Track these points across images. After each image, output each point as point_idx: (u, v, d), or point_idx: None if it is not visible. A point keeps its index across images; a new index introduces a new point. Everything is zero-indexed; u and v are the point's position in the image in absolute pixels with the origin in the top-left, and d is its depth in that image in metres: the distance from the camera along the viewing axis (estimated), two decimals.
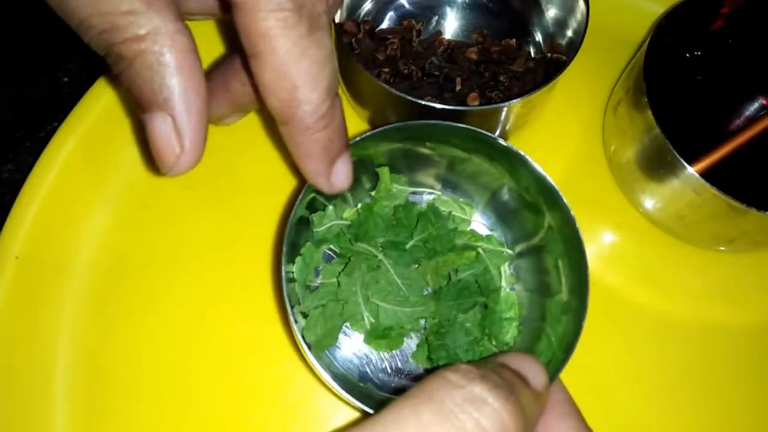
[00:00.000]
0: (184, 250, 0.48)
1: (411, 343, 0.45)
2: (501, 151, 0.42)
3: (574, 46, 0.48)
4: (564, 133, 0.55)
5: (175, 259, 0.48)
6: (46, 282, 0.46)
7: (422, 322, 0.45)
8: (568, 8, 0.52)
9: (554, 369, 0.38)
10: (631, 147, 0.48)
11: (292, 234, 0.39)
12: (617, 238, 0.52)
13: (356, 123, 0.53)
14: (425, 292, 0.45)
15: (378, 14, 0.56)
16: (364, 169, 0.45)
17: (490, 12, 0.57)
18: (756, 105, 0.54)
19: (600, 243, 0.52)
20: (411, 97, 0.44)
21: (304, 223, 0.43)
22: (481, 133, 0.41)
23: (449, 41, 0.55)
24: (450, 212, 0.47)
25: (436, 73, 0.54)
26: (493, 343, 0.44)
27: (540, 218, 0.43)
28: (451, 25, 0.57)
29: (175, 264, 0.48)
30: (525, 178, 0.43)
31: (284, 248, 0.38)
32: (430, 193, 0.49)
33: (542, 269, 0.44)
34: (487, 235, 0.48)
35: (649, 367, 0.48)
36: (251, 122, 0.52)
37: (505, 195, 0.46)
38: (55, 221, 0.47)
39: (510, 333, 0.44)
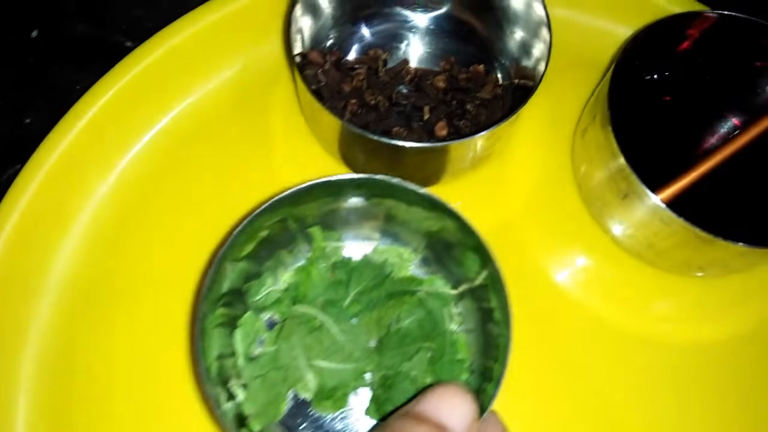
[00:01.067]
0: (145, 279, 0.49)
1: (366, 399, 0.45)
2: (427, 199, 0.41)
3: (539, 72, 0.48)
4: (534, 158, 0.54)
5: (139, 287, 0.49)
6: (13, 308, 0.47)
7: (369, 376, 0.44)
8: (532, 33, 0.51)
9: (487, 402, 0.37)
10: (599, 174, 0.47)
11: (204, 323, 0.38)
12: (590, 262, 0.52)
13: (327, 160, 0.53)
14: (370, 346, 0.44)
15: (344, 45, 0.55)
16: (300, 229, 0.45)
17: (458, 38, 0.56)
18: (727, 126, 0.53)
19: (573, 267, 0.52)
20: (371, 134, 0.44)
21: (238, 294, 0.43)
22: (404, 185, 0.40)
23: (416, 69, 0.55)
24: (385, 260, 0.46)
25: (404, 102, 0.53)
26: None
27: (477, 259, 0.42)
28: (418, 52, 0.56)
29: (141, 291, 0.49)
30: (451, 222, 0.42)
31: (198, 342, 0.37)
32: (369, 245, 0.48)
33: (486, 309, 0.43)
34: (428, 278, 0.47)
35: (625, 385, 0.48)
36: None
37: (442, 238, 0.45)
38: (19, 263, 0.48)
39: (463, 375, 0.43)
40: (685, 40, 0.50)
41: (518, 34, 0.53)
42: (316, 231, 0.45)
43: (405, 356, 0.43)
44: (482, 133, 0.44)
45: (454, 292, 0.46)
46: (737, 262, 0.45)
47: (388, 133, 0.52)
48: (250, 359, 0.43)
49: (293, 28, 0.48)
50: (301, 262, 0.46)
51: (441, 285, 0.46)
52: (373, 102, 0.52)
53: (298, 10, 0.49)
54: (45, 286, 0.48)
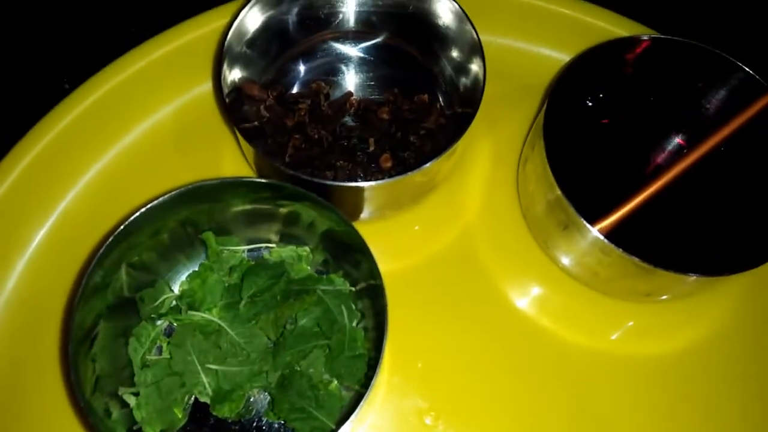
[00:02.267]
0: None
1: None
2: (323, 205, 0.42)
3: (477, 99, 0.47)
4: (482, 188, 0.54)
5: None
6: None
7: (267, 377, 0.44)
8: (467, 59, 0.51)
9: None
10: (540, 206, 0.47)
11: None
12: (543, 290, 0.51)
13: None
14: (269, 346, 0.45)
15: (285, 80, 0.55)
16: (195, 234, 0.46)
17: (398, 66, 0.56)
18: (669, 149, 0.53)
19: (528, 294, 0.51)
20: (304, 174, 0.43)
21: (131, 302, 0.44)
22: (299, 190, 0.42)
23: (360, 101, 0.54)
24: (282, 260, 0.46)
25: (348, 135, 0.53)
26: (345, 383, 0.44)
27: (367, 261, 0.42)
28: (361, 83, 0.56)
29: None
30: (345, 227, 0.43)
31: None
32: (267, 248, 0.48)
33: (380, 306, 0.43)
34: (327, 276, 0.47)
35: (581, 401, 0.47)
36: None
37: (340, 240, 0.45)
38: None
39: (362, 370, 0.43)
40: (624, 65, 0.50)
41: (454, 62, 0.52)
42: (209, 236, 0.46)
43: (301, 354, 0.43)
44: (415, 171, 0.44)
45: (352, 289, 0.46)
46: (680, 289, 0.45)
47: (332, 167, 0.51)
48: (145, 367, 0.44)
49: (224, 69, 0.47)
50: (196, 268, 0.47)
51: (340, 283, 0.46)
52: (316, 136, 0.52)
53: (229, 51, 0.48)
54: None
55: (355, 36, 0.56)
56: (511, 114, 0.56)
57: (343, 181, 0.50)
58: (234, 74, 0.50)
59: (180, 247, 0.47)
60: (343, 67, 0.56)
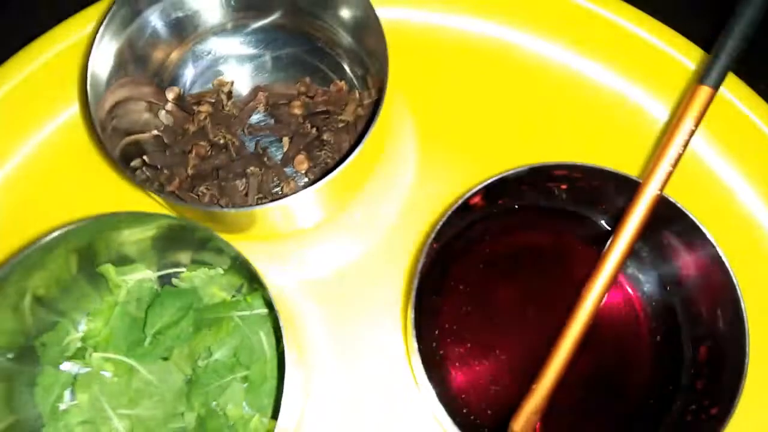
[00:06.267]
0: None
1: None
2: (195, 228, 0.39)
3: (384, 82, 0.41)
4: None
5: None
6: None
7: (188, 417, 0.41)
8: (361, 28, 0.45)
9: None
10: None
11: None
12: None
13: None
14: (185, 383, 0.41)
15: (194, 78, 0.49)
16: (93, 269, 0.42)
17: (305, 53, 0.49)
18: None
19: None
20: (191, 203, 0.39)
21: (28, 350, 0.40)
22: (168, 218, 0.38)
23: (268, 96, 0.48)
24: (194, 286, 0.43)
25: (258, 135, 0.48)
26: (269, 415, 0.41)
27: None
28: (267, 76, 0.50)
29: None
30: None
31: None
32: (177, 273, 0.44)
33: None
34: (244, 299, 0.43)
35: None
36: None
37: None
38: None
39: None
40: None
41: (358, 44, 0.47)
42: (107, 269, 0.42)
43: (219, 391, 0.40)
44: (307, 191, 0.39)
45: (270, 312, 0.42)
46: None
47: (243, 176, 0.46)
48: (54, 417, 0.40)
49: (89, 86, 0.41)
50: (99, 304, 0.43)
51: (259, 305, 0.42)
52: (221, 141, 0.46)
53: (94, 72, 0.41)
54: None
55: (242, 23, 0.49)
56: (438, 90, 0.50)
57: (255, 193, 0.45)
58: (111, 90, 0.43)
59: (80, 285, 0.42)
60: (237, 61, 0.50)
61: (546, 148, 0.49)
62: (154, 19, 0.44)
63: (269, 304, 0.37)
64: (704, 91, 0.38)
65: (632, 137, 0.49)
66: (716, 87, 0.38)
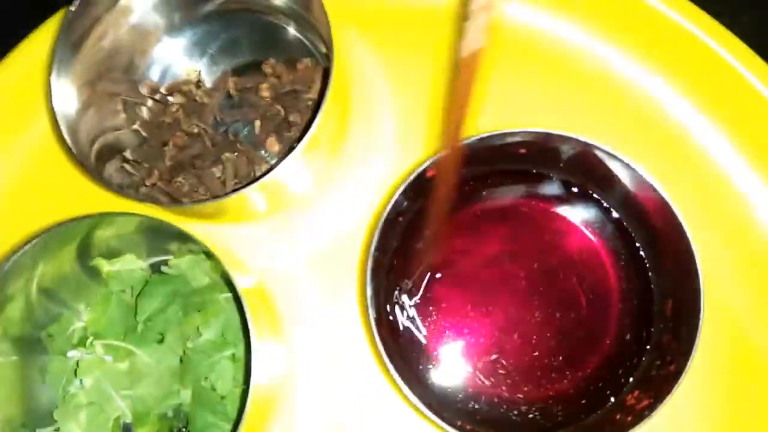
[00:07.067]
0: None
1: None
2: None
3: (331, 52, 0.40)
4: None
5: None
6: None
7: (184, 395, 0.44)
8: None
9: None
10: None
11: None
12: None
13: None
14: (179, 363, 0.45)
15: (149, 74, 0.50)
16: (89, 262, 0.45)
17: (263, 31, 0.49)
18: None
19: None
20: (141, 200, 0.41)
21: (35, 342, 0.44)
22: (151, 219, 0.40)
23: (236, 81, 0.49)
24: (182, 273, 0.45)
25: (229, 121, 0.49)
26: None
27: None
28: (236, 58, 0.50)
29: None
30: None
31: None
32: (165, 261, 0.47)
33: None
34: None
35: None
36: None
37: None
38: None
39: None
40: None
41: (306, 12, 0.46)
42: (100, 262, 0.45)
43: (209, 368, 0.43)
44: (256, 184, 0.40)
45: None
46: None
47: (219, 162, 0.48)
48: (64, 400, 0.44)
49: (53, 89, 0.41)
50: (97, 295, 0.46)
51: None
52: (195, 131, 0.48)
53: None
54: None
55: (195, 12, 0.48)
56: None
57: (232, 179, 0.47)
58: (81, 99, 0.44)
59: (80, 279, 0.46)
60: (200, 51, 0.50)
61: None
62: (112, 24, 0.45)
63: (231, 286, 0.39)
64: None
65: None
66: None
